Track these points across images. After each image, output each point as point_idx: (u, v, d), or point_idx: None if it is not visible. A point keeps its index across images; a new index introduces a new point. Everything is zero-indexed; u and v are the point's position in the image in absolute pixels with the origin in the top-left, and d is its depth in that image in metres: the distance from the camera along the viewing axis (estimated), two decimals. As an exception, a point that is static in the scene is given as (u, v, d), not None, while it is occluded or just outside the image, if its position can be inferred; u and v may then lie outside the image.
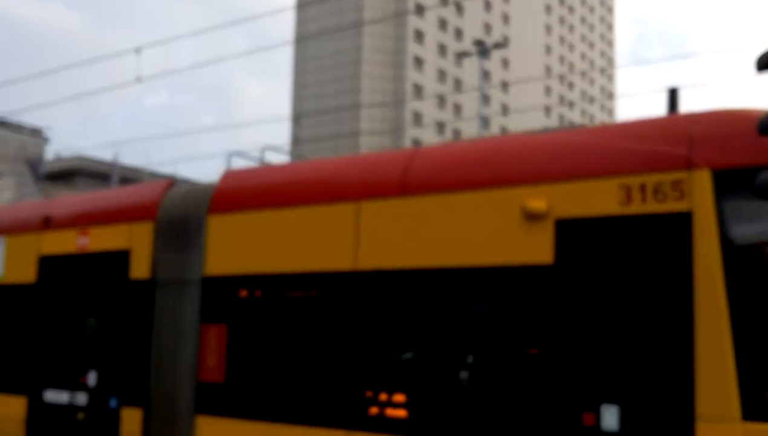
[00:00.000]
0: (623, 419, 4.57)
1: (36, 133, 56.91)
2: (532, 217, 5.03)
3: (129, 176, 32.70)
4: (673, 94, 5.56)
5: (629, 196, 4.74)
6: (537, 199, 5.04)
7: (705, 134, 4.68)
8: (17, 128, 55.44)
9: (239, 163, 7.57)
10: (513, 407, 4.97)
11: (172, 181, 7.71)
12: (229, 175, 7.11)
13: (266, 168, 7.19)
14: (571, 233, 4.93)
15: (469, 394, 5.27)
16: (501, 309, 5.22)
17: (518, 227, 5.10)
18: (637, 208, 4.71)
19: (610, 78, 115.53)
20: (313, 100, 76.23)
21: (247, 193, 6.77)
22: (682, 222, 4.54)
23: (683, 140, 4.71)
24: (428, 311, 5.59)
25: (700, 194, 4.52)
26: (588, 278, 4.88)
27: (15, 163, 46.34)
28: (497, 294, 5.26)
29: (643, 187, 4.70)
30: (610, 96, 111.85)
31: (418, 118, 75.56)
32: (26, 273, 8.38)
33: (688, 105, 6.89)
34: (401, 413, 5.38)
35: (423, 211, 5.57)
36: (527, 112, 69.43)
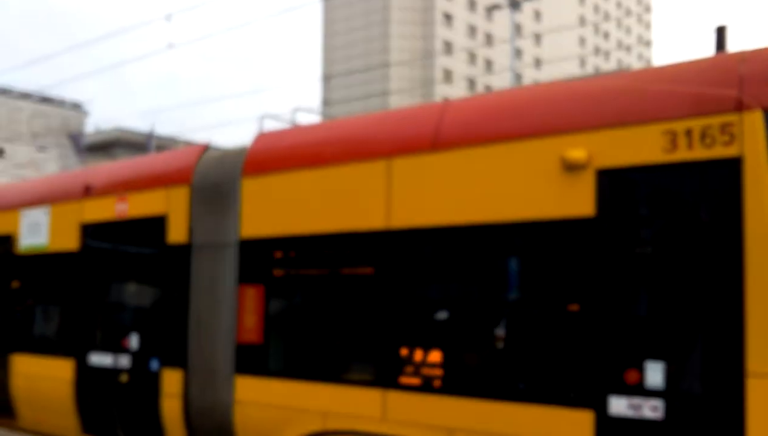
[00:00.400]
0: (669, 376, 4.43)
1: (76, 107, 58.20)
2: (572, 167, 4.86)
3: (165, 145, 33.08)
4: (720, 33, 5.28)
5: (674, 142, 4.53)
6: (576, 149, 4.86)
7: (756, 73, 4.41)
8: (59, 103, 56.84)
9: (272, 127, 7.52)
10: (552, 366, 4.88)
11: (206, 146, 7.70)
12: (262, 138, 7.07)
13: (297, 129, 7.12)
14: (612, 183, 4.75)
15: (507, 352, 5.20)
16: (539, 265, 5.11)
17: (557, 178, 4.94)
18: (682, 154, 4.50)
19: (648, 25, 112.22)
20: (343, 62, 75.70)
21: (279, 154, 6.72)
22: (732, 168, 4.32)
23: (732, 80, 4.46)
24: (464, 269, 5.51)
25: (751, 138, 4.29)
26: (631, 230, 4.72)
27: (58, 137, 47.43)
28: (535, 249, 5.14)
29: (689, 133, 4.49)
30: (648, 44, 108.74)
31: (448, 75, 74.60)
32: (69, 241, 8.51)
33: (737, 45, 6.57)
34: (437, 372, 5.34)
35: (456, 166, 5.43)
36: (561, 63, 67.94)
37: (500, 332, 5.24)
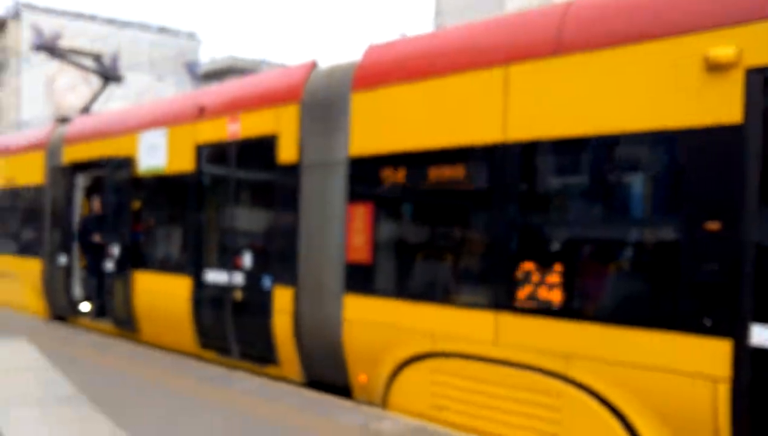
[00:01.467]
0: None
1: (191, 37, 60.11)
2: (717, 67, 4.27)
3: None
4: None
5: None
6: (723, 46, 4.26)
7: None
8: (174, 33, 58.94)
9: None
10: (685, 289, 4.40)
11: (314, 63, 7.50)
12: (371, 50, 6.77)
13: (408, 38, 6.76)
14: (767, 84, 4.14)
15: (633, 274, 4.78)
16: (675, 178, 4.60)
17: (698, 81, 4.36)
18: None
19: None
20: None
21: (389, 67, 6.41)
22: None
23: None
24: (589, 184, 5.08)
25: None
26: None
27: (175, 66, 49.30)
28: (671, 161, 4.63)
29: None
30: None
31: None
32: (185, 162, 8.66)
33: None
34: (556, 294, 4.99)
35: (582, 71, 4.92)
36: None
37: (628, 251, 4.82)
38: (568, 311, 4.92)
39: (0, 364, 5.02)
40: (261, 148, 7.58)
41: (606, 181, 5.01)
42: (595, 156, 5.00)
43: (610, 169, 4.96)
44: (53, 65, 43.28)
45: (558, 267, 5.00)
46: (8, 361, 5.18)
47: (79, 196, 11.22)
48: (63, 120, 12.64)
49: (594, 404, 4.76)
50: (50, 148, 11.83)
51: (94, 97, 13.30)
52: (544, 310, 5.03)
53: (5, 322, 11.06)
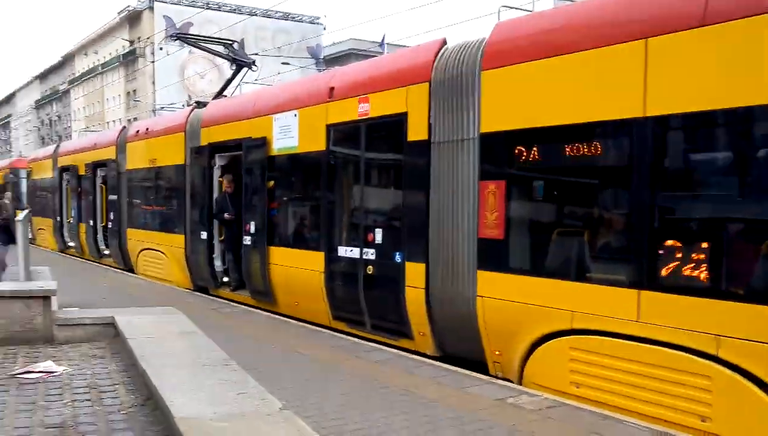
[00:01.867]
0: None
1: (314, 22, 61.84)
2: None
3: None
4: None
5: None
6: None
7: None
8: (298, 19, 60.87)
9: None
10: None
11: (443, 41, 7.54)
12: (500, 28, 6.73)
13: (538, 14, 6.67)
14: None
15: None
16: None
17: None
18: None
19: None
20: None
21: (519, 44, 6.36)
22: None
23: None
24: (736, 159, 4.85)
25: None
26: None
27: (298, 51, 50.86)
28: None
29: None
30: None
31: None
32: (316, 142, 8.94)
33: None
34: (701, 273, 4.80)
35: (733, 41, 4.67)
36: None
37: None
38: (717, 290, 4.74)
39: (154, 331, 5.44)
40: (391, 127, 7.72)
41: (755, 156, 4.76)
42: (744, 130, 4.77)
43: (760, 143, 4.71)
44: (184, 53, 45.55)
45: (704, 245, 4.82)
46: (161, 328, 5.60)
47: (216, 176, 11.84)
48: (199, 104, 13.35)
49: (751, 388, 4.55)
50: (189, 130, 12.54)
51: (228, 83, 13.92)
52: (691, 288, 4.85)
53: (155, 293, 11.91)
